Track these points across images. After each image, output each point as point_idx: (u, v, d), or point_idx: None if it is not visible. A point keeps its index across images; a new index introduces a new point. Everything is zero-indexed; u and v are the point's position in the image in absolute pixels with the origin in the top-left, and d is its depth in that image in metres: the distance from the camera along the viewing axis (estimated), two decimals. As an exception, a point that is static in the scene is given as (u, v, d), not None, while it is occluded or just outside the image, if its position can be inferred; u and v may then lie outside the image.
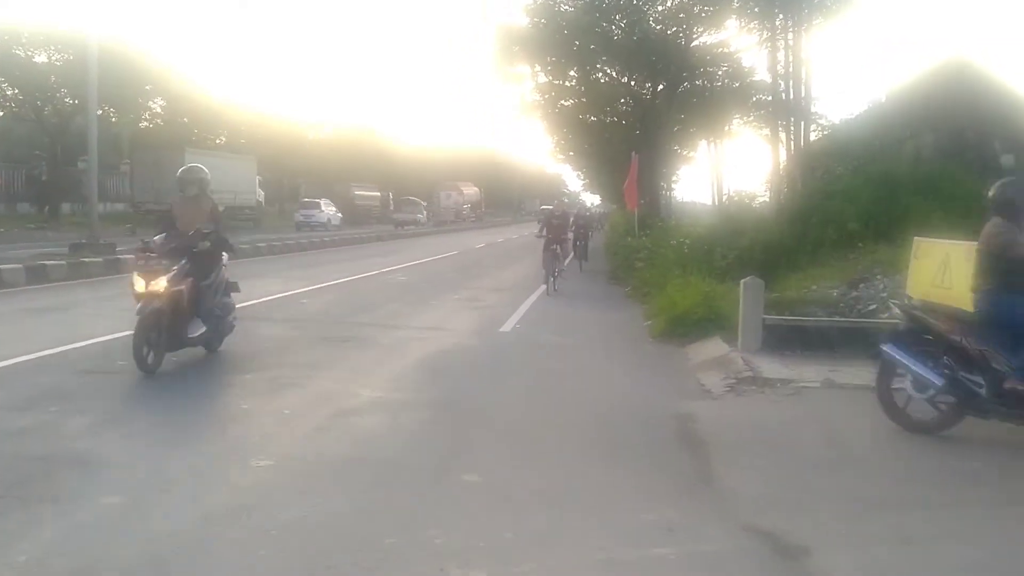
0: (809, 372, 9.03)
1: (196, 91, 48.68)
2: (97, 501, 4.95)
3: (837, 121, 28.16)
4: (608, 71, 31.16)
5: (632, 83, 31.29)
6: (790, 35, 19.28)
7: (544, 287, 18.09)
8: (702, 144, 46.42)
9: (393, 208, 66.75)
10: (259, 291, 16.03)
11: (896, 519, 5.10)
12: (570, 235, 22.81)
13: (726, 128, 40.15)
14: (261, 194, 51.55)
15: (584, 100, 34.24)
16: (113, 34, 36.79)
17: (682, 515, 5.03)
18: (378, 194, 68.75)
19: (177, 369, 8.93)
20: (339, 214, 53.10)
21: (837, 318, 10.58)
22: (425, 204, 69.70)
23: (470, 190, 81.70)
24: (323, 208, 50.13)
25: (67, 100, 41.69)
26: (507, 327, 13.18)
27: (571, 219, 24.35)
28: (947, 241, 9.26)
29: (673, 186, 48.99)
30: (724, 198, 34.90)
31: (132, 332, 8.20)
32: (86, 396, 7.63)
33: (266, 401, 7.68)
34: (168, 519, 4.72)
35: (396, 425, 7.08)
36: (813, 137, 23.11)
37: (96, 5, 25.51)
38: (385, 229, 50.56)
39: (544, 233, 19.35)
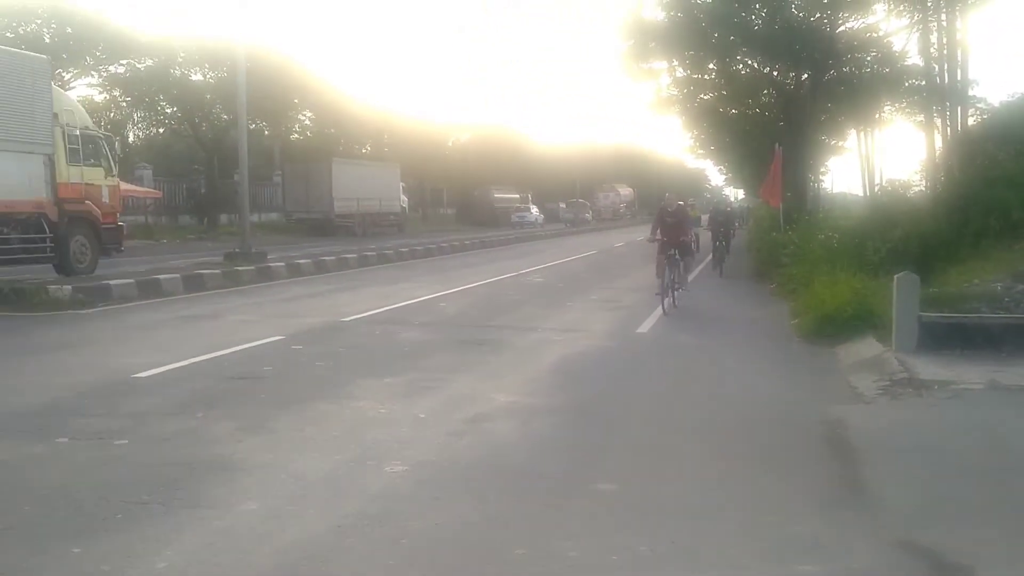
0: (971, 373, 8.43)
1: (342, 102, 50.43)
2: (235, 508, 5.05)
3: (997, 104, 26.56)
4: (749, 62, 30.29)
5: (775, 73, 30.31)
6: (943, 15, 18.26)
7: (662, 305, 14.24)
8: (852, 133, 44.73)
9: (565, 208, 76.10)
10: (401, 295, 16.47)
11: (1073, 537, 4.65)
12: (695, 234, 18.09)
13: (877, 116, 38.48)
14: (405, 200, 53.18)
15: (724, 93, 33.47)
16: (263, 50, 38.55)
17: (831, 529, 4.73)
18: (516, 196, 69.85)
19: (318, 372, 9.16)
20: (541, 215, 69.36)
21: (1002, 314, 9.87)
22: (589, 205, 77.97)
23: (625, 190, 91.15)
24: (532, 211, 67.16)
25: (222, 116, 43.82)
26: (645, 328, 12.92)
27: (703, 217, 22.75)
28: None
29: (821, 177, 47.41)
30: (876, 189, 33.49)
31: (278, 338, 8.40)
32: (232, 402, 7.88)
33: (403, 405, 7.74)
34: (302, 527, 4.76)
35: (530, 431, 7.00)
36: (971, 121, 21.84)
37: (245, 24, 26.66)
38: (525, 231, 52.19)
39: (658, 236, 15.13)
